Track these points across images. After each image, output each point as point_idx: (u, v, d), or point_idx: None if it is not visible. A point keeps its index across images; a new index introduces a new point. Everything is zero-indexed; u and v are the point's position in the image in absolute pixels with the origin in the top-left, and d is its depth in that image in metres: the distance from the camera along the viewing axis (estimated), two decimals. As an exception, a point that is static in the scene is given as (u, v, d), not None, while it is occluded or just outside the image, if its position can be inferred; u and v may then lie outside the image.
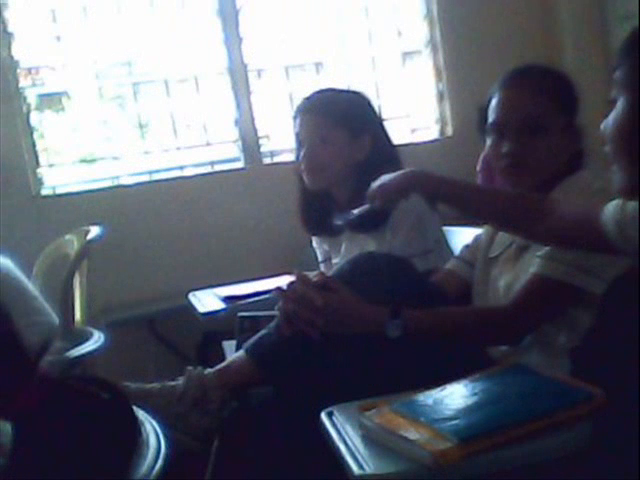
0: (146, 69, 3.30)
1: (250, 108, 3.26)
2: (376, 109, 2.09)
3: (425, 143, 3.44)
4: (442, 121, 3.50)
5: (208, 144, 3.33)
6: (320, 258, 2.16)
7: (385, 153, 1.97)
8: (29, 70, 3.16)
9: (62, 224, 2.53)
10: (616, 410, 1.11)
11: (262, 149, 3.31)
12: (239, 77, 3.25)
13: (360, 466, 1.07)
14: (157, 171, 3.26)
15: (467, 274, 1.74)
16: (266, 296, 1.86)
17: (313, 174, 1.98)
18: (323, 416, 1.26)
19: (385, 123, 2.07)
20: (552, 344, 1.47)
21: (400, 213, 1.84)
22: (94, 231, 2.18)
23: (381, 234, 1.90)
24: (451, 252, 1.92)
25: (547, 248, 1.43)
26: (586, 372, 1.24)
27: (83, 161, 3.26)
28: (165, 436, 0.92)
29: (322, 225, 2.02)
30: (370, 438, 1.14)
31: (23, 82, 3.07)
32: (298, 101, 2.07)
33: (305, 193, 2.04)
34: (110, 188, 3.15)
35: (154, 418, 0.98)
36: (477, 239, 1.76)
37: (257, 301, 2.02)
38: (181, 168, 3.30)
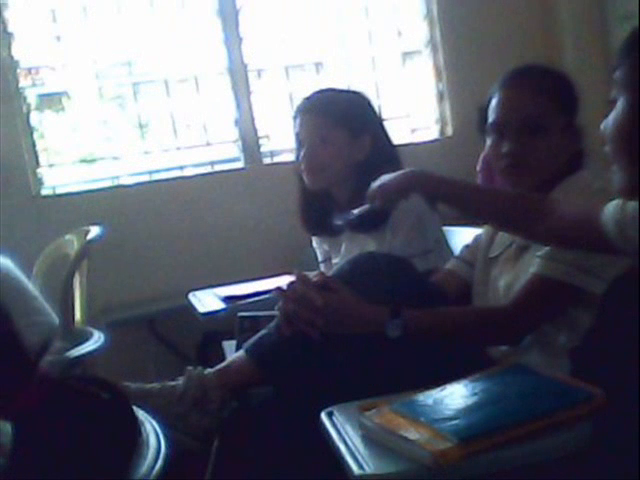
0: (146, 69, 3.30)
1: (250, 108, 3.26)
2: (376, 109, 2.09)
3: (425, 143, 3.44)
4: (442, 121, 3.50)
5: (208, 144, 3.33)
6: (320, 258, 2.16)
7: (385, 153, 1.97)
8: (29, 70, 3.16)
9: (62, 224, 2.53)
10: (616, 410, 1.11)
11: (262, 149, 3.31)
12: (239, 77, 3.25)
13: (360, 466, 1.07)
14: (157, 171, 3.26)
15: (467, 274, 1.74)
16: (266, 296, 1.86)
17: (313, 174, 1.98)
18: (323, 416, 1.26)
19: (385, 123, 2.07)
20: (552, 344, 1.47)
21: (400, 213, 1.84)
22: (94, 231, 2.18)
23: (381, 234, 1.90)
24: (451, 252, 1.92)
25: (547, 248, 1.43)
26: (586, 372, 1.24)
27: (83, 161, 3.26)
28: (165, 436, 0.92)
29: (322, 225, 2.02)
30: (370, 438, 1.14)
31: (23, 82, 3.07)
32: (298, 101, 2.07)
33: (305, 193, 2.04)
34: (110, 188, 3.15)
35: (154, 418, 0.98)
36: (477, 239, 1.76)
37: (257, 301, 2.02)
38: (181, 168, 3.30)
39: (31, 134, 3.07)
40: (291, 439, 1.46)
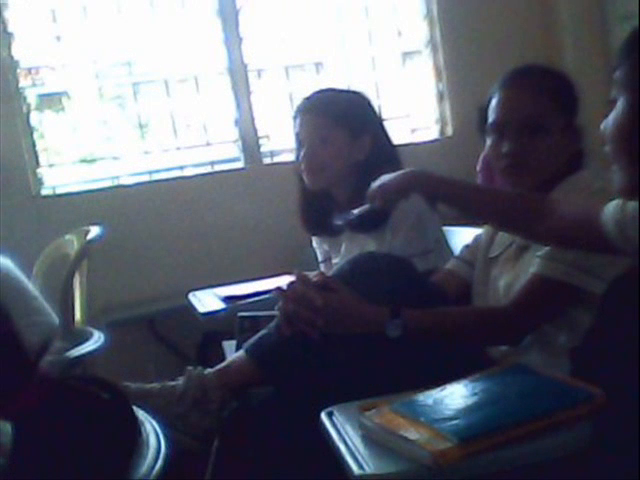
0: (146, 69, 3.30)
1: (250, 108, 3.26)
2: (376, 109, 2.09)
3: (425, 143, 3.44)
4: (442, 121, 3.50)
5: (208, 144, 3.33)
6: (320, 258, 2.16)
7: (385, 153, 1.97)
8: (29, 70, 3.16)
9: (62, 224, 2.53)
10: (616, 410, 1.11)
11: (262, 149, 3.31)
12: (239, 77, 3.25)
13: (360, 466, 1.07)
14: (157, 171, 3.26)
15: (467, 274, 1.74)
16: (266, 296, 1.86)
17: (313, 174, 1.98)
18: (323, 416, 1.26)
19: (385, 123, 2.07)
20: (552, 344, 1.47)
21: (400, 213, 1.84)
22: (94, 231, 2.18)
23: (381, 234, 1.90)
24: (451, 252, 1.92)
25: (547, 248, 1.43)
26: (586, 372, 1.24)
27: (83, 161, 3.26)
28: (165, 436, 0.92)
29: (322, 225, 2.02)
30: (370, 438, 1.14)
31: (23, 82, 3.07)
32: (298, 101, 2.07)
33: (305, 193, 2.04)
34: (110, 188, 3.15)
35: (154, 418, 0.98)
36: (477, 239, 1.76)
37: (257, 301, 2.02)
38: (181, 168, 3.30)
39: (31, 134, 3.07)
40: (291, 439, 1.46)
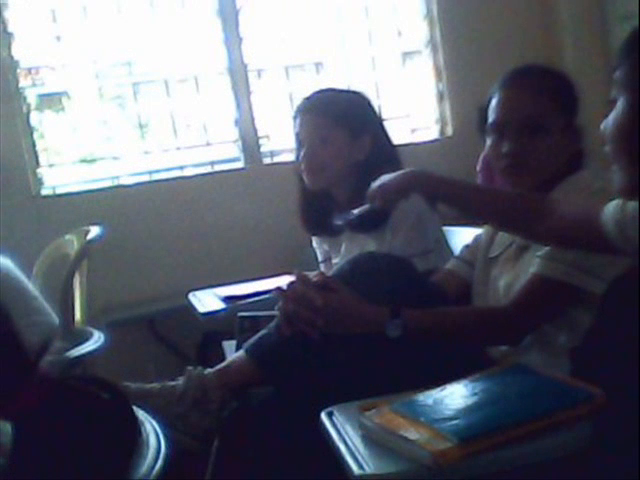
0: (146, 69, 3.30)
1: (250, 108, 3.26)
2: (376, 109, 2.09)
3: (425, 143, 3.44)
4: (442, 121, 3.50)
5: (208, 144, 3.34)
6: (320, 258, 2.16)
7: (385, 153, 1.97)
8: (29, 70, 3.16)
9: (62, 224, 2.53)
10: (616, 410, 1.11)
11: (262, 149, 3.31)
12: (239, 77, 3.25)
13: (360, 466, 1.07)
14: (157, 171, 3.26)
15: (467, 274, 1.74)
16: (266, 296, 1.86)
17: (313, 174, 1.98)
18: (323, 416, 1.26)
19: (385, 123, 2.07)
20: (552, 344, 1.47)
21: (400, 213, 1.84)
22: (94, 231, 2.18)
23: (381, 234, 1.90)
24: (451, 252, 1.92)
25: (547, 248, 1.43)
26: (586, 372, 1.24)
27: (83, 161, 3.26)
28: (165, 436, 0.92)
29: (322, 225, 2.02)
30: (370, 438, 1.14)
31: (23, 82, 3.07)
32: (298, 101, 2.07)
33: (305, 193, 2.04)
34: (110, 188, 3.15)
35: (154, 418, 0.98)
36: (477, 239, 1.76)
37: (257, 301, 2.02)
38: (181, 168, 3.30)
39: (31, 134, 3.07)
40: (291, 439, 1.46)
